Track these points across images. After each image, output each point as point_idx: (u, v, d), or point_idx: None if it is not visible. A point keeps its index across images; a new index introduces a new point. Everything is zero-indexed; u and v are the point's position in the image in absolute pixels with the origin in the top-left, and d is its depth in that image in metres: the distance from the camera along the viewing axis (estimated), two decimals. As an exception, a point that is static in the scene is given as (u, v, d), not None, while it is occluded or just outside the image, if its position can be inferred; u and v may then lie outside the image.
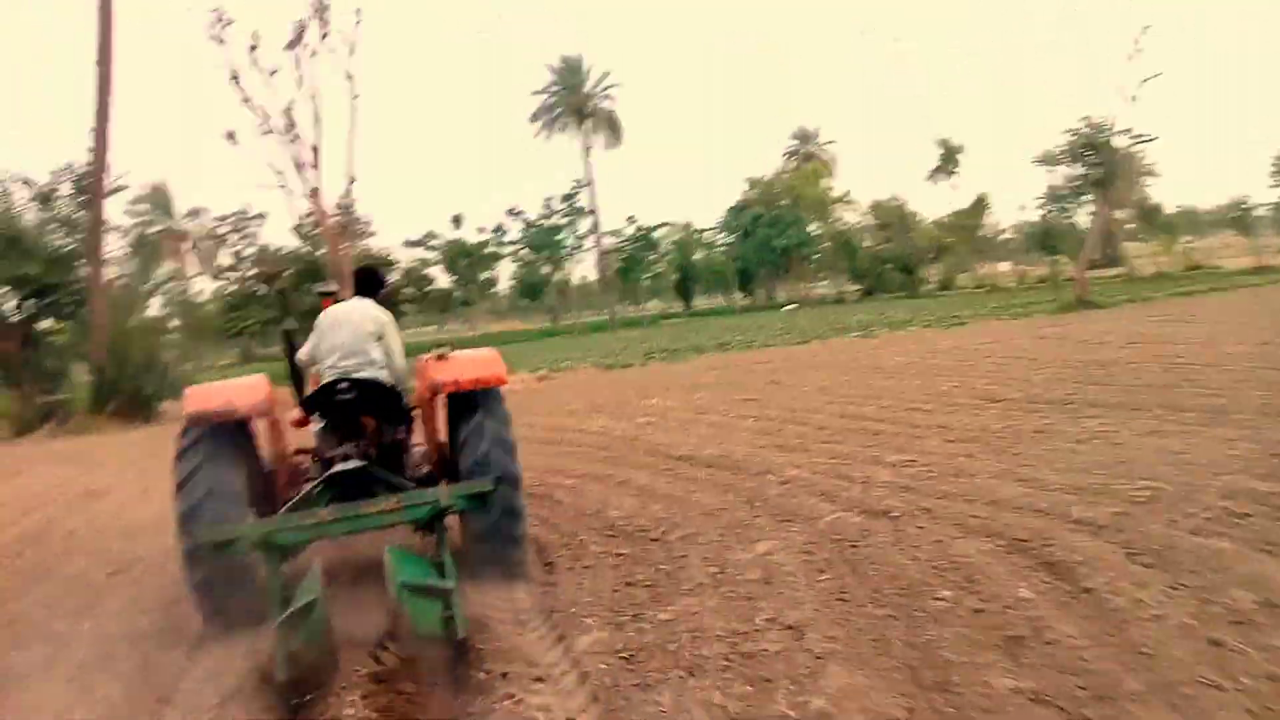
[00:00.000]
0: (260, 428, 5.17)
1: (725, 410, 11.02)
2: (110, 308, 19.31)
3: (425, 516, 4.15)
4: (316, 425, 5.05)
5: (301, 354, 5.19)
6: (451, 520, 4.55)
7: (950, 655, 3.43)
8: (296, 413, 5.15)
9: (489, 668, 3.68)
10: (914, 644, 3.57)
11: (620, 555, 5.16)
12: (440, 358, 4.98)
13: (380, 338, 4.97)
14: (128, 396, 18.20)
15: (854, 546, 4.89)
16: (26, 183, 19.43)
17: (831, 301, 58.48)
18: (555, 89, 57.69)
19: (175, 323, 37.51)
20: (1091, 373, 10.86)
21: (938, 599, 4.00)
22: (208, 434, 4.52)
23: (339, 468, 4.58)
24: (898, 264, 56.97)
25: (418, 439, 5.48)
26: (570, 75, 57.32)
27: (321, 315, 5.07)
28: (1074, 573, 4.08)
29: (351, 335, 4.88)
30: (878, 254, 57.74)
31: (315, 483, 4.65)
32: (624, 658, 3.70)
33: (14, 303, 19.25)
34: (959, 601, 3.95)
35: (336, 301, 5.34)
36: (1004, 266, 63.78)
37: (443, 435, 5.25)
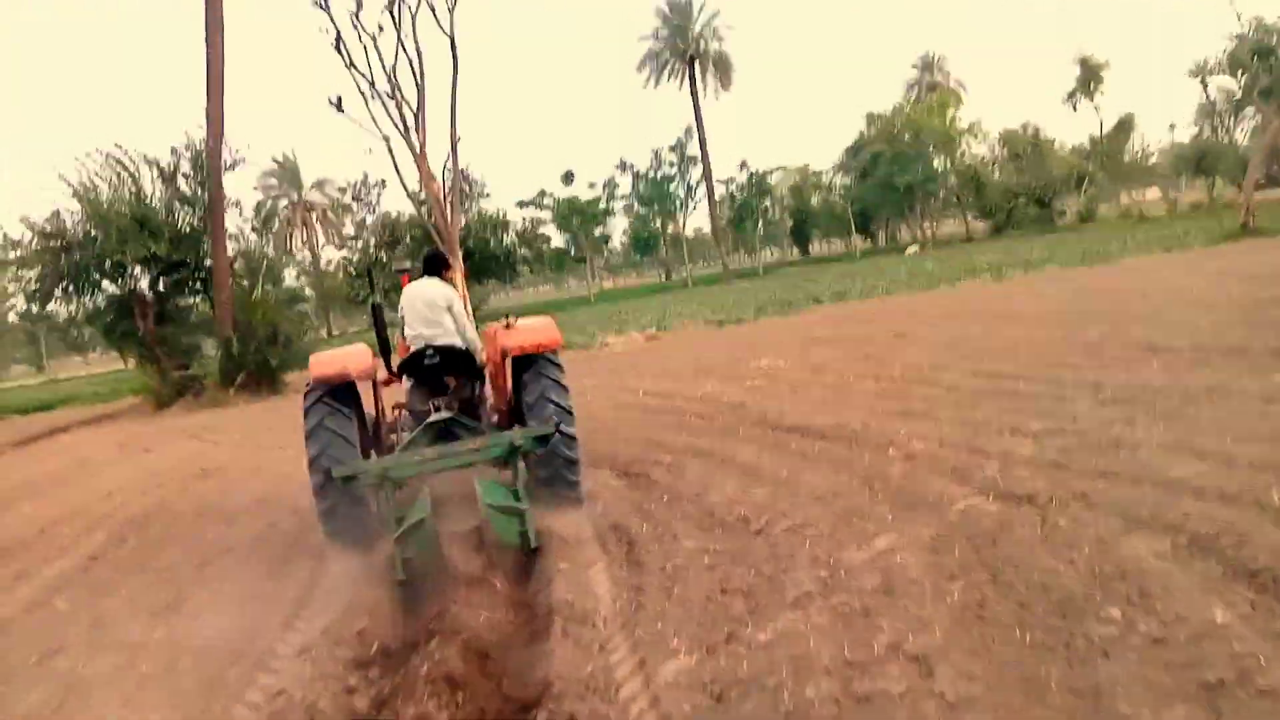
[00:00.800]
0: (363, 388, 6.02)
1: (843, 369, 10.18)
2: (235, 282, 19.97)
3: (503, 454, 5.07)
4: (406, 384, 6.05)
5: (405, 329, 5.92)
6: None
7: (1127, 708, 2.68)
8: (383, 374, 6.14)
9: (558, 691, 3.20)
10: (1077, 689, 2.83)
11: (717, 552, 4.57)
12: (507, 326, 5.79)
13: (449, 308, 5.81)
14: (254, 369, 18.82)
15: (992, 544, 4.12)
16: (152, 162, 20.17)
17: (959, 241, 55.27)
18: (662, 33, 56.20)
19: (304, 293, 38.87)
20: (1270, 313, 9.41)
21: (1104, 620, 3.22)
22: (327, 392, 5.45)
23: (434, 417, 5.61)
24: (1032, 197, 53.03)
25: (488, 393, 6.44)
26: (677, 16, 55.63)
27: (405, 291, 5.93)
28: (1286, 588, 3.21)
29: (428, 308, 5.76)
30: (1009, 187, 53.90)
31: (415, 430, 5.66)
32: (713, 695, 3.12)
33: (146, 281, 20.16)
34: (1132, 625, 3.16)
35: (413, 278, 6.11)
36: (1151, 194, 58.64)
37: (510, 390, 6.10)
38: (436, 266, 6.04)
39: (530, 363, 5.70)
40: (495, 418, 6.23)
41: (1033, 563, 3.81)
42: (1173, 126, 56.78)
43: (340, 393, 5.51)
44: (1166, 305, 11.34)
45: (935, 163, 58.41)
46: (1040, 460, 5.29)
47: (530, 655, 3.74)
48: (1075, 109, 49.10)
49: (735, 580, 4.16)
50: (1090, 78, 47.12)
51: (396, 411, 6.53)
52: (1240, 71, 29.13)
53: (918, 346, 11.17)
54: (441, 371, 5.76)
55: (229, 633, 4.44)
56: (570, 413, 5.64)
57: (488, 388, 6.42)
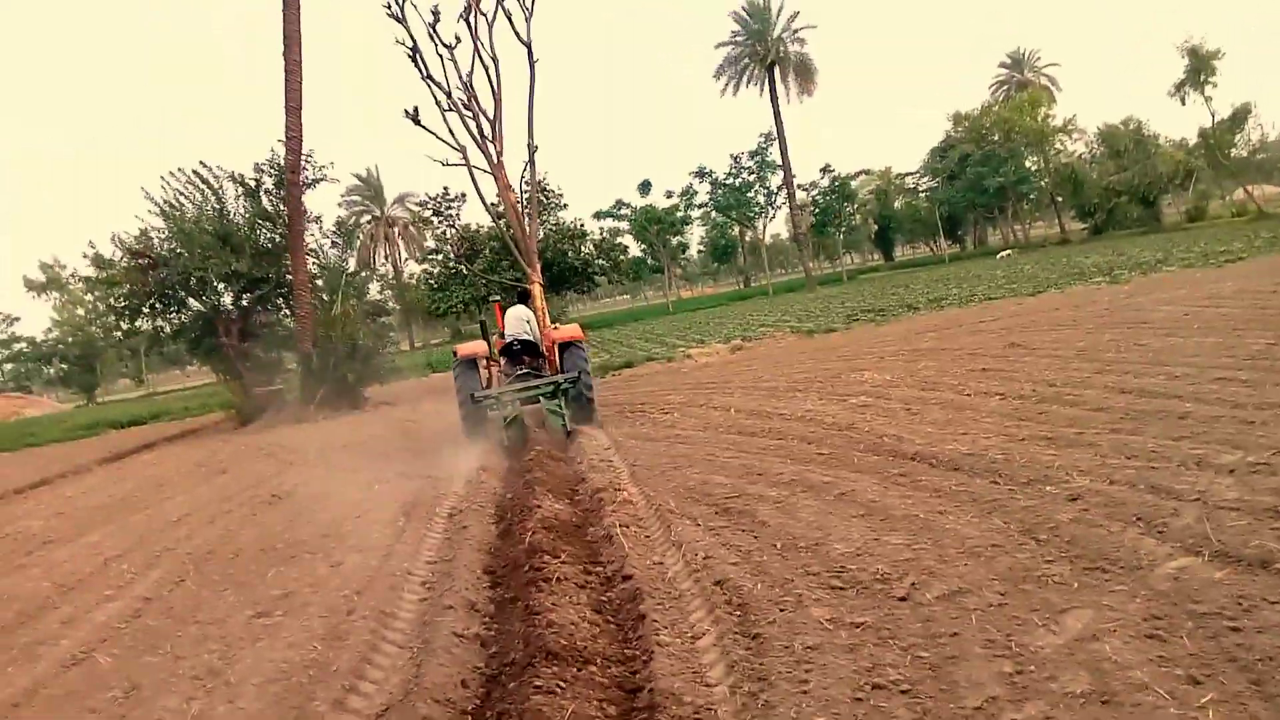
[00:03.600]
0: (481, 361, 11.31)
1: (959, 385, 9.10)
2: (315, 297, 19.87)
3: (553, 389, 10.29)
4: (500, 362, 11.49)
5: (505, 326, 11.59)
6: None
7: None
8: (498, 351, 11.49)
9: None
10: None
11: (857, 626, 3.65)
12: (555, 329, 11.57)
13: (529, 320, 11.50)
14: (334, 385, 18.61)
15: (1234, 630, 3.11)
16: (236, 180, 20.25)
17: (1055, 243, 52.56)
18: (740, 38, 55.11)
19: (388, 308, 39.18)
20: None
21: None
22: (463, 363, 10.87)
23: (520, 372, 10.97)
24: (1134, 195, 49.95)
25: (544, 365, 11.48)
26: (756, 20, 54.46)
27: (508, 312, 11.73)
28: None
29: (517, 321, 11.44)
30: (1109, 185, 50.90)
31: (509, 380, 10.96)
32: None
33: (229, 298, 20.22)
34: None
35: (504, 307, 12.07)
36: (1268, 189, 54.69)
37: (556, 359, 11.17)
38: (524, 298, 12.15)
39: (567, 346, 11.04)
40: (548, 374, 11.10)
41: (1309, 665, 2.81)
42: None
43: (469, 363, 10.94)
44: (1337, 309, 9.88)
45: (1027, 162, 55.87)
46: (1255, 506, 4.22)
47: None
48: (1184, 102, 45.87)
49: (888, 670, 3.24)
50: (1201, 68, 44.00)
51: (496, 374, 11.67)
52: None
53: (1042, 358, 9.97)
54: (522, 353, 11.23)
55: (265, 715, 3.74)
56: (588, 370, 10.89)
57: (545, 363, 11.44)
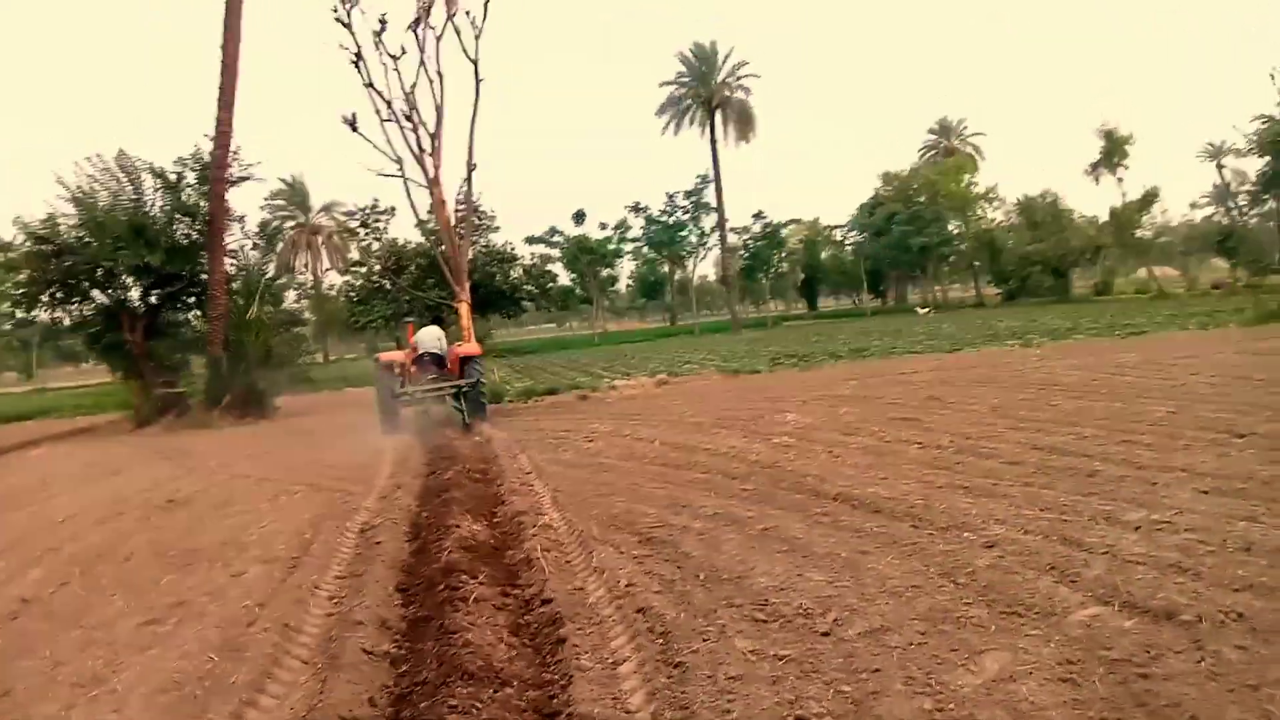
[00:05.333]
0: (399, 367, 14.11)
1: (880, 432, 9.28)
2: (231, 299, 19.14)
3: (456, 390, 13.90)
4: (413, 368, 14.15)
5: (411, 342, 14.60)
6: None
7: None
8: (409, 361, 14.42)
9: None
10: None
11: (780, 659, 3.62)
12: (459, 346, 14.71)
13: (439, 339, 14.63)
14: (243, 391, 17.89)
15: (1143, 678, 3.19)
16: (154, 171, 19.43)
17: (970, 305, 54.71)
18: (685, 79, 56.13)
19: (303, 317, 38.06)
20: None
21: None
22: (384, 366, 13.98)
23: (430, 376, 13.99)
24: (1048, 265, 52.51)
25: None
26: (701, 63, 55.57)
27: (420, 331, 14.83)
28: None
29: (431, 339, 14.53)
30: (1025, 254, 53.41)
31: (422, 382, 13.90)
32: None
33: (137, 292, 19.31)
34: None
35: (418, 326, 15.32)
36: (1166, 271, 58.17)
37: (458, 369, 14.03)
38: (437, 320, 16.65)
39: (468, 360, 14.01)
40: (453, 379, 14.03)
41: (1214, 715, 2.89)
42: (1194, 204, 55.65)
43: (389, 367, 13.83)
44: (1229, 384, 10.46)
45: (950, 226, 58.17)
46: (1159, 561, 4.37)
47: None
48: (1098, 181, 48.69)
49: (810, 702, 3.21)
50: (1113, 150, 46.78)
51: (409, 377, 14.09)
52: (1267, 155, 28.61)
53: (959, 412, 10.27)
54: (432, 363, 14.08)
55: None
56: (483, 379, 14.23)
57: (447, 372, 14.23)
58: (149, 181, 19.26)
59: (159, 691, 3.89)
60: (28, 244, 19.02)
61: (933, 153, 70.08)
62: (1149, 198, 48.00)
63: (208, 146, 19.12)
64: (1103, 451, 7.24)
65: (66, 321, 20.55)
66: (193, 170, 19.49)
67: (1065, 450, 7.44)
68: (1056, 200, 52.94)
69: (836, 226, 69.64)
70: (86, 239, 18.51)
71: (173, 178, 19.40)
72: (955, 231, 58.13)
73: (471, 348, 14.52)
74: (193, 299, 20.10)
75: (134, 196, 19.09)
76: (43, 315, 20.38)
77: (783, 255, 60.87)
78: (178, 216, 19.42)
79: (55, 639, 4.77)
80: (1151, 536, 4.82)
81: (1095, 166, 48.01)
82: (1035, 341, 20.30)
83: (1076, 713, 3.00)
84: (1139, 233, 49.09)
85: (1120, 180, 48.44)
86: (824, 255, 70.40)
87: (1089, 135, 52.41)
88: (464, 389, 13.67)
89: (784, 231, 59.85)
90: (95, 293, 19.50)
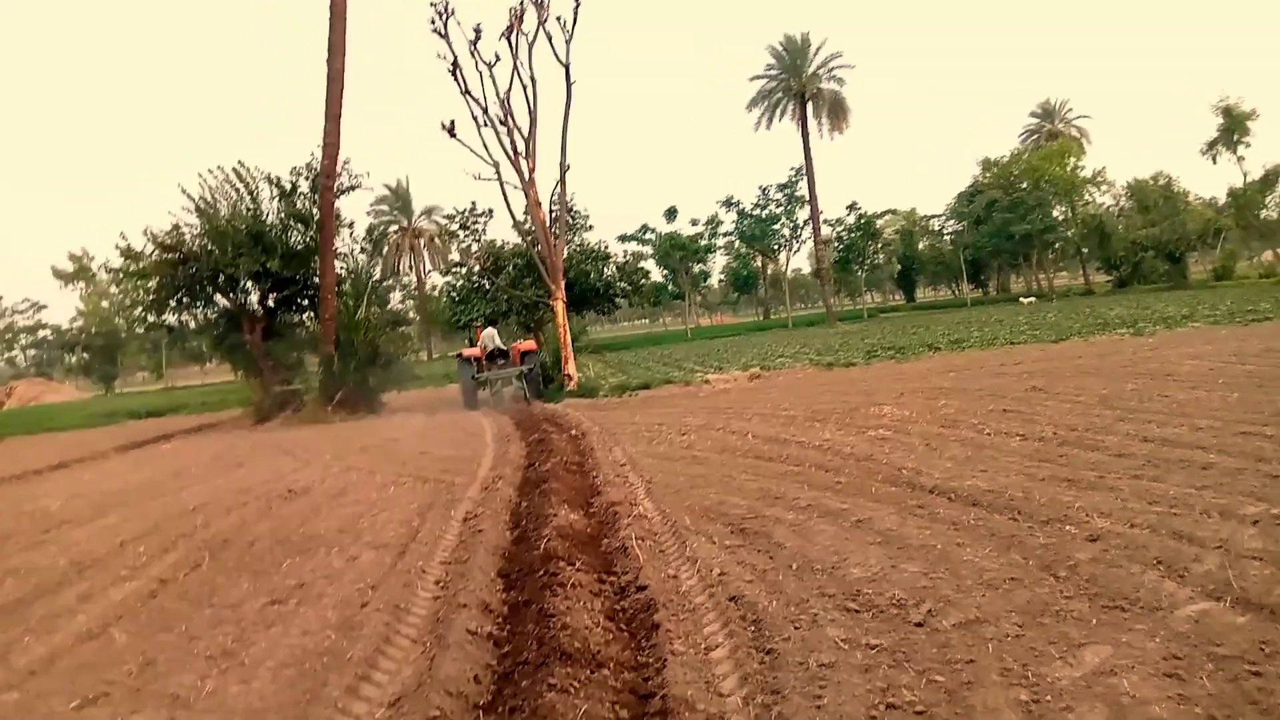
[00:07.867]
0: (473, 359, 20.76)
1: (980, 424, 9.07)
2: (341, 301, 20.09)
3: (518, 375, 19.86)
4: (488, 359, 21.09)
5: (480, 339, 21.82)
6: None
7: None
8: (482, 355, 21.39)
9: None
10: None
11: (872, 648, 3.65)
12: (518, 344, 22.08)
13: (496, 336, 21.27)
14: (353, 388, 18.75)
15: (1255, 672, 3.10)
16: (272, 181, 20.55)
17: (1079, 293, 52.34)
18: (775, 72, 55.55)
19: (408, 317, 39.50)
20: None
21: None
22: (465, 360, 20.73)
23: (499, 364, 20.60)
24: (1161, 251, 49.78)
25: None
26: (792, 56, 54.89)
27: (484, 330, 21.93)
28: None
29: (488, 337, 21.29)
30: (1136, 240, 50.77)
31: (492, 369, 20.54)
32: None
33: (255, 296, 20.47)
34: None
35: (483, 328, 22.67)
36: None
37: (519, 361, 20.52)
38: (491, 323, 25.07)
39: (526, 353, 20.81)
40: (515, 368, 20.22)
41: (1330, 712, 2.79)
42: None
43: (469, 359, 20.60)
44: (1365, 372, 9.79)
45: (1054, 212, 55.82)
46: (1278, 557, 4.19)
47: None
48: (1215, 161, 45.86)
49: (902, 691, 3.24)
50: (1234, 127, 43.96)
51: (482, 367, 20.58)
52: None
53: (1064, 403, 9.93)
54: (497, 355, 20.56)
55: (279, 697, 3.78)
56: (537, 367, 20.58)
57: (509, 361, 20.70)
58: (265, 190, 20.42)
59: (283, 665, 4.21)
60: (156, 253, 20.42)
61: (1034, 137, 67.40)
62: (1272, 175, 44.86)
63: (319, 156, 20.12)
64: (1219, 444, 6.91)
65: (192, 324, 21.99)
66: (305, 179, 20.55)
67: (1177, 442, 7.14)
68: (1170, 182, 50.09)
69: (934, 216, 67.85)
70: (209, 247, 19.77)
71: (287, 186, 20.49)
72: (1060, 218, 55.71)
73: (528, 344, 21.85)
74: (306, 301, 21.22)
75: (251, 205, 20.26)
76: (171, 319, 21.83)
77: (878, 246, 59.52)
78: (292, 223, 20.54)
79: (190, 616, 5.19)
80: (1270, 531, 4.61)
81: (1213, 145, 45.24)
82: (1147, 330, 19.33)
83: (1182, 709, 2.94)
84: (1262, 213, 45.97)
85: (1241, 159, 45.58)
86: (921, 245, 68.61)
87: (1206, 112, 49.52)
88: (523, 372, 19.71)
89: (879, 222, 58.57)
90: (218, 297, 20.85)
